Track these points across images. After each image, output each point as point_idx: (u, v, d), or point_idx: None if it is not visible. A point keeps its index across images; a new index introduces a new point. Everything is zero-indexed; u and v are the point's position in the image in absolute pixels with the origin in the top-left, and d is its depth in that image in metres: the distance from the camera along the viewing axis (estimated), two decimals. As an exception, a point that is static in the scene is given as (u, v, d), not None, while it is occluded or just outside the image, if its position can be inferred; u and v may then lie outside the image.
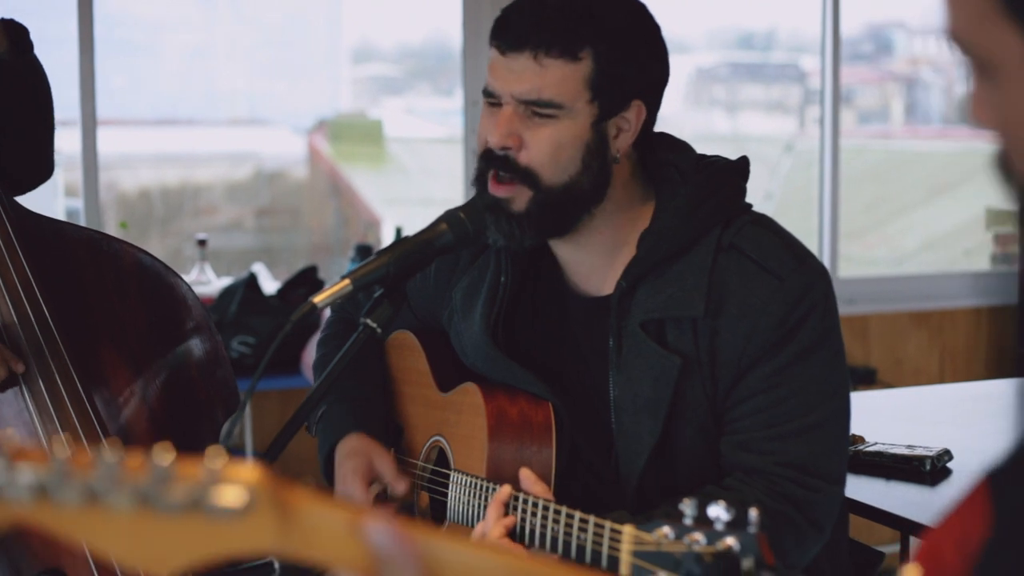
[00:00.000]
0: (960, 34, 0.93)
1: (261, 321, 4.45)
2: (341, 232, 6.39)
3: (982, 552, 0.89)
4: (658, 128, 2.25)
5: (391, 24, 6.69)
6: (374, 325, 2.05)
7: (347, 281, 2.05)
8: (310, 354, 4.40)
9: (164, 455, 0.91)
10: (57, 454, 0.92)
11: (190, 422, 2.71)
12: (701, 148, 2.29)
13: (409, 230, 4.93)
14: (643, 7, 2.17)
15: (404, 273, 2.09)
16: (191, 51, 6.32)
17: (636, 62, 2.13)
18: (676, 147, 2.25)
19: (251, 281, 4.57)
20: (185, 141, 6.65)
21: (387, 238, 5.90)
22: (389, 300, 2.07)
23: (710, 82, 7.18)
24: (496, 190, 2.12)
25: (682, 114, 7.06)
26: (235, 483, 0.91)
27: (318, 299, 2.01)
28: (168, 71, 6.18)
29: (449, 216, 2.13)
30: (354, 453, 2.33)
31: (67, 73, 4.83)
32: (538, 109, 2.09)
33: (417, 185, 6.92)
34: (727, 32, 6.95)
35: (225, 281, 4.80)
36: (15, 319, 2.56)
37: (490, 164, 2.11)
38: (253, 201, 6.49)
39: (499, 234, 2.14)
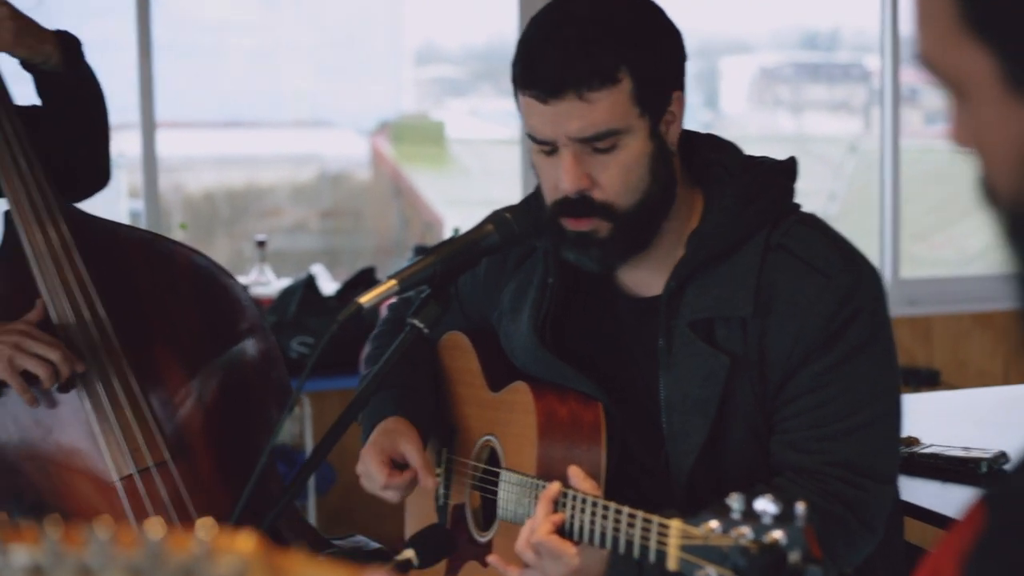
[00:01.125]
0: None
1: (320, 322, 4.48)
2: (403, 233, 6.41)
3: (974, 548, 0.88)
4: (723, 128, 2.24)
5: (454, 25, 6.71)
6: (420, 324, 2.06)
7: (393, 281, 2.06)
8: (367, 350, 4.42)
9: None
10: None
11: (245, 423, 2.73)
12: (765, 148, 2.28)
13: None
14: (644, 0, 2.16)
15: (451, 273, 2.10)
16: (254, 53, 6.37)
17: (664, 57, 2.12)
18: (722, 147, 2.24)
19: (310, 282, 4.60)
20: (249, 143, 6.70)
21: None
22: (436, 300, 2.08)
23: (774, 82, 7.15)
24: (577, 225, 2.11)
25: (747, 115, 7.04)
26: (228, 553, 0.92)
27: (364, 299, 2.02)
28: (232, 73, 6.23)
29: (495, 217, 2.14)
30: (385, 432, 2.35)
31: (130, 76, 4.88)
32: (598, 144, 2.07)
33: (479, 186, 6.94)
34: (791, 32, 6.92)
35: (284, 282, 4.83)
36: (72, 320, 2.59)
37: (568, 209, 2.10)
38: (317, 203, 6.52)
39: (592, 263, 2.14)
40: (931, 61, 0.92)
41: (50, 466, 2.62)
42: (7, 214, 2.66)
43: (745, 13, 6.50)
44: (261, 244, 4.81)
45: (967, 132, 0.91)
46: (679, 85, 2.14)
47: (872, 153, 6.01)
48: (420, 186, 6.63)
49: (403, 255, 5.62)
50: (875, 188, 5.85)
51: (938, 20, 0.89)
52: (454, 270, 2.10)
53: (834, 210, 6.34)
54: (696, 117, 6.23)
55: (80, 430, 2.61)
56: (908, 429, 3.00)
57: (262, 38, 6.45)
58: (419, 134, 6.76)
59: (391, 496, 2.34)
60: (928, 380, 5.31)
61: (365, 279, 4.71)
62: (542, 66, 2.06)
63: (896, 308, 5.30)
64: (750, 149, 2.27)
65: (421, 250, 4.85)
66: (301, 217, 6.53)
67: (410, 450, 2.31)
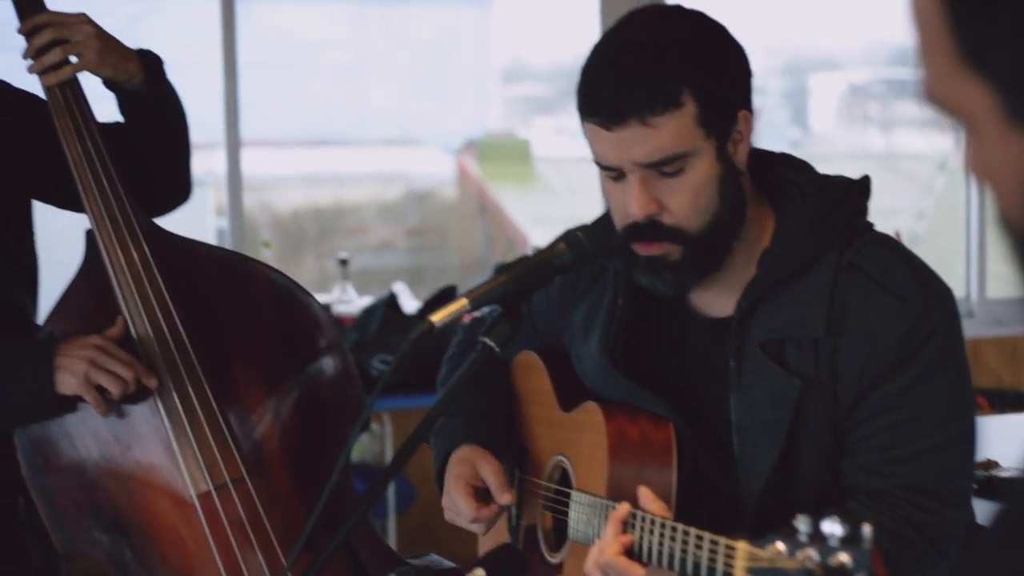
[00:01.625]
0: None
1: (401, 340, 4.50)
2: (488, 252, 6.44)
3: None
4: (812, 146, 2.23)
5: (541, 43, 6.73)
6: (492, 344, 2.06)
7: (465, 300, 2.06)
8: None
9: None
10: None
11: (321, 440, 2.74)
12: (854, 166, 2.26)
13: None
14: (704, 17, 2.13)
15: (522, 292, 2.10)
16: (342, 71, 6.42)
17: (727, 77, 2.11)
18: (795, 166, 2.23)
19: (392, 300, 4.63)
20: (336, 161, 6.75)
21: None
22: (507, 319, 2.08)
23: (864, 99, 7.10)
24: (648, 250, 2.10)
25: (835, 132, 7.00)
26: None
27: (436, 318, 2.02)
28: (319, 91, 6.28)
29: (568, 236, 2.14)
30: (461, 461, 2.36)
31: (217, 95, 4.94)
32: (664, 168, 2.06)
33: (564, 204, 6.95)
34: (880, 48, 6.87)
35: (367, 300, 4.86)
36: (151, 334, 2.62)
37: (638, 234, 2.09)
38: (403, 221, 6.56)
39: (665, 286, 2.13)
40: (934, 96, 0.91)
41: (129, 482, 2.65)
42: (89, 232, 2.70)
43: (834, 30, 6.46)
44: (344, 262, 4.85)
45: (978, 163, 0.90)
46: (745, 104, 2.13)
47: (961, 171, 5.95)
48: (506, 204, 6.66)
49: (487, 273, 5.64)
50: (964, 206, 5.79)
51: (937, 55, 0.89)
52: (526, 289, 2.10)
53: (923, 228, 6.28)
54: (784, 135, 6.21)
55: (159, 446, 2.63)
56: (990, 452, 2.97)
57: (349, 56, 6.50)
58: (505, 152, 6.78)
59: (479, 528, 2.36)
60: (1014, 402, 5.23)
61: (447, 298, 4.73)
62: (604, 93, 2.06)
63: (983, 328, 5.24)
64: (839, 167, 2.25)
65: (501, 269, 4.86)
66: (387, 235, 6.57)
67: (489, 472, 2.32)
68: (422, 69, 6.58)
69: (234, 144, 4.97)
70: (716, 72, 2.08)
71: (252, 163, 5.20)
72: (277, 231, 6.32)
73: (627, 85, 2.03)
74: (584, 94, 2.10)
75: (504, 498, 2.30)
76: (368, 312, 4.65)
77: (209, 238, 5.37)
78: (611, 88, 2.05)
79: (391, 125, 6.67)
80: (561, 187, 6.96)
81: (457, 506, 2.33)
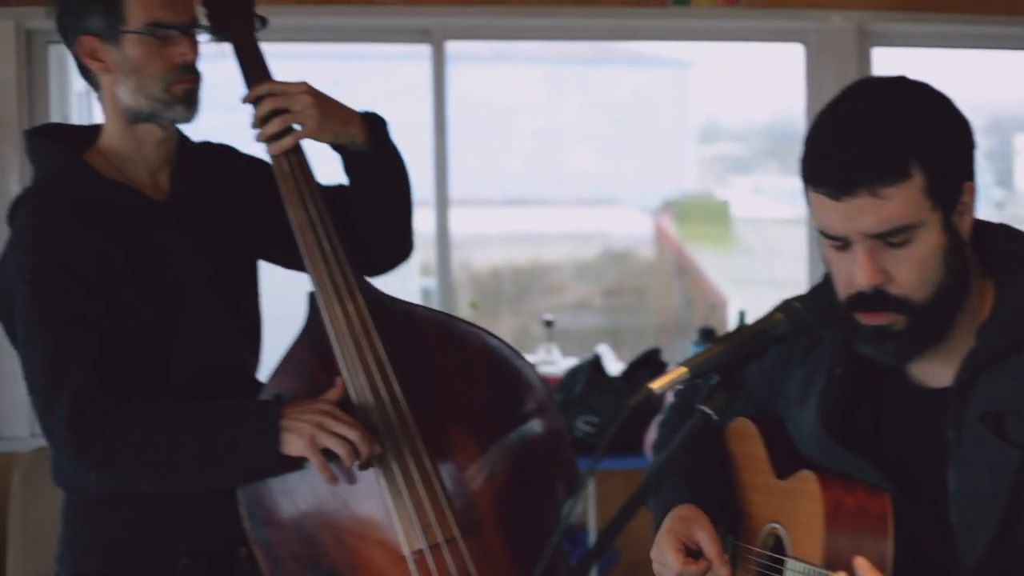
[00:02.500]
0: None
1: (605, 401, 4.54)
2: (686, 313, 6.44)
3: None
4: (1018, 206, 2.22)
5: (737, 103, 6.74)
6: (710, 412, 2.08)
7: (684, 368, 2.08)
8: (652, 435, 4.45)
9: None
10: None
11: (533, 500, 2.78)
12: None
13: (754, 312, 4.94)
14: (931, 89, 2.13)
15: (740, 361, 2.12)
16: (540, 132, 6.50)
17: (954, 149, 2.11)
18: (1015, 236, 2.22)
19: (596, 362, 4.68)
20: (535, 221, 6.82)
21: (732, 320, 5.92)
22: (725, 388, 2.10)
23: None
24: (872, 320, 2.11)
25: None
26: None
27: (656, 385, 2.05)
28: (518, 151, 6.36)
29: (786, 306, 2.15)
30: (678, 518, 2.37)
31: (422, 154, 5.04)
32: (892, 239, 2.07)
33: (763, 265, 6.92)
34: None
35: (570, 361, 4.91)
36: (371, 398, 2.69)
37: (862, 304, 2.10)
38: (600, 280, 6.60)
39: (888, 356, 2.14)
40: None
41: (346, 537, 2.72)
42: (312, 295, 2.79)
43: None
44: (549, 324, 4.90)
45: None
46: (970, 176, 2.13)
47: None
48: (704, 265, 6.65)
49: (688, 335, 5.64)
50: None
51: None
52: (744, 358, 2.12)
53: None
54: (988, 195, 6.12)
55: (375, 504, 2.70)
56: None
57: (548, 117, 6.57)
58: (703, 212, 6.79)
59: None
60: None
61: (650, 360, 4.76)
62: (833, 164, 2.07)
63: None
64: (1045, 230, 2.24)
65: (706, 332, 4.88)
66: (584, 294, 6.61)
67: (704, 538, 2.33)
68: (620, 130, 6.63)
69: (443, 204, 5.08)
70: (943, 145, 2.08)
71: (453, 222, 5.29)
72: (476, 289, 6.41)
73: (857, 157, 2.05)
74: (811, 164, 2.11)
75: (723, 571, 2.31)
76: (573, 373, 4.70)
77: (414, 297, 5.47)
78: (841, 159, 2.06)
79: (589, 185, 6.73)
80: (760, 248, 6.94)
81: (665, 559, 2.35)
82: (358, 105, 2.90)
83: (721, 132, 7.06)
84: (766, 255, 6.90)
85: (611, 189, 6.76)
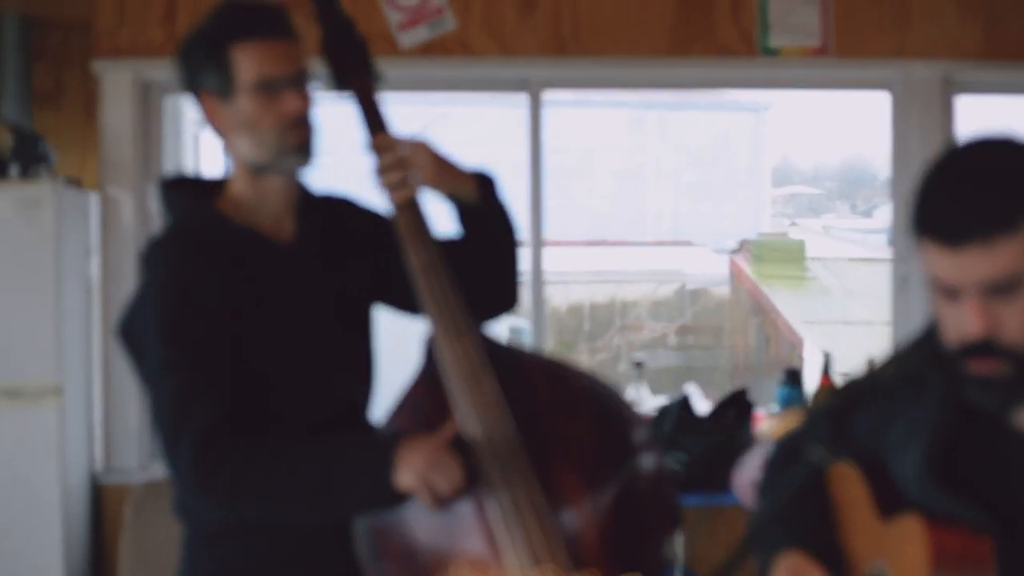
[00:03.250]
0: None
1: (693, 440, 4.62)
2: (762, 352, 6.50)
3: None
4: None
5: (808, 146, 6.81)
6: (821, 458, 2.17)
7: (799, 414, 2.18)
8: (739, 474, 4.53)
9: None
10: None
11: (636, 537, 2.86)
12: None
13: (836, 352, 5.01)
14: None
15: (849, 408, 2.21)
16: (621, 174, 6.60)
17: None
18: None
19: (685, 402, 4.76)
20: (614, 259, 6.91)
21: (809, 360, 5.99)
22: (835, 435, 2.19)
23: None
24: (981, 368, 2.19)
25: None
26: None
27: (772, 431, 2.15)
28: (600, 193, 6.47)
29: (894, 356, 2.24)
30: (786, 567, 2.44)
31: (515, 194, 5.15)
32: (1001, 289, 2.13)
33: (838, 305, 6.97)
34: None
35: (657, 400, 5.00)
36: (483, 435, 2.78)
37: (973, 352, 2.16)
38: (676, 318, 6.68)
39: (995, 404, 2.20)
40: None
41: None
42: (429, 339, 2.90)
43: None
44: (639, 365, 5.00)
45: None
46: None
47: None
48: (780, 304, 6.72)
49: (766, 374, 5.71)
50: None
51: None
52: (853, 406, 2.21)
53: None
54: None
55: (484, 540, 2.77)
56: None
57: (628, 159, 6.68)
58: (779, 253, 6.85)
59: None
60: None
61: (738, 401, 4.84)
62: (946, 215, 2.16)
63: None
64: None
65: (791, 373, 4.95)
66: (660, 332, 6.70)
67: None
68: (697, 172, 6.73)
69: (538, 244, 5.19)
70: None
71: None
72: (555, 326, 6.51)
73: (970, 208, 2.13)
74: (924, 215, 2.20)
75: None
76: (663, 412, 4.79)
77: (503, 335, 5.57)
78: (954, 211, 2.14)
79: (666, 226, 6.83)
80: (835, 287, 6.99)
81: None
82: (452, 147, 2.99)
83: (793, 174, 7.12)
84: (841, 295, 6.96)
85: (687, 229, 6.85)
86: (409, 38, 4.81)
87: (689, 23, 5.03)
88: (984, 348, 2.16)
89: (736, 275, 6.66)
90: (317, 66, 2.99)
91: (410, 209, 2.94)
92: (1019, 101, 5.36)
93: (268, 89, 2.85)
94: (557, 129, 6.03)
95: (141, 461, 5.08)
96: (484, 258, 3.03)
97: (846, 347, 5.17)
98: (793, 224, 6.77)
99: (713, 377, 6.04)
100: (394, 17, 4.78)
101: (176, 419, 2.72)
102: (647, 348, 6.29)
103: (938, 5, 5.07)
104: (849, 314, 6.68)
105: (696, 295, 6.69)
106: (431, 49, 4.93)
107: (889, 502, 2.43)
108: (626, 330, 6.52)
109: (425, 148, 2.93)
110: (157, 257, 2.86)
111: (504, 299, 3.13)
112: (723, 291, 6.78)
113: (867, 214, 6.07)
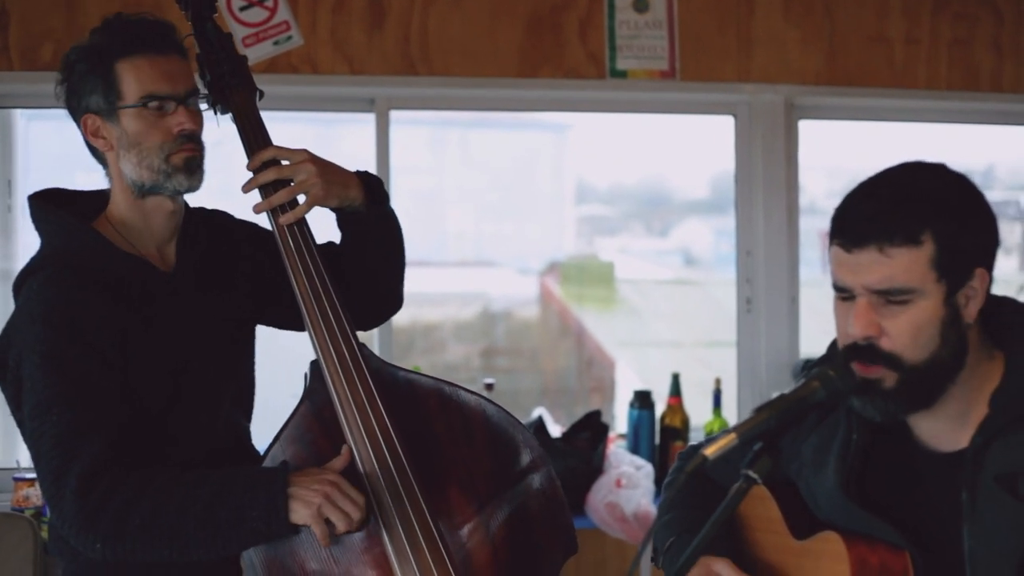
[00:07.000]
0: None
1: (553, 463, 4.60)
2: (573, 374, 6.50)
3: None
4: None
5: (605, 167, 6.87)
6: (755, 476, 2.18)
7: (734, 435, 2.18)
8: (594, 496, 4.54)
9: None
10: None
11: (529, 558, 2.84)
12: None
13: (644, 376, 5.06)
14: (966, 179, 2.30)
15: (781, 428, 2.22)
16: (421, 193, 6.54)
17: (970, 233, 2.26)
18: (1021, 310, 2.38)
19: (540, 424, 4.75)
20: (415, 281, 6.84)
21: (621, 381, 6.06)
22: (768, 453, 2.21)
23: None
24: (864, 372, 2.26)
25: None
26: None
27: (710, 452, 2.14)
28: (399, 213, 6.36)
29: (821, 375, 2.26)
30: (698, 564, 2.45)
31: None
32: (891, 297, 2.22)
33: (647, 327, 7.03)
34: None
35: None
36: (376, 465, 2.72)
37: (855, 354, 2.25)
38: (480, 340, 6.65)
39: (875, 411, 2.29)
40: None
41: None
42: (314, 363, 2.82)
43: (894, 151, 6.56)
44: (489, 387, 4.96)
45: None
46: (985, 264, 2.28)
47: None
48: (591, 326, 6.74)
49: (572, 396, 5.73)
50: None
51: None
52: (785, 425, 2.22)
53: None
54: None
55: (379, 568, 2.72)
56: None
57: (430, 180, 6.62)
58: (588, 274, 6.87)
59: None
60: None
61: (591, 423, 4.85)
62: (851, 219, 2.25)
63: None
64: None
65: (641, 396, 4.93)
66: (464, 353, 6.66)
67: (725, 568, 2.43)
68: (499, 192, 6.72)
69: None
70: (959, 225, 2.23)
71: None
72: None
73: (874, 214, 2.22)
74: (835, 219, 2.29)
75: None
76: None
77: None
78: (859, 215, 2.24)
79: (468, 247, 6.80)
80: (642, 309, 7.05)
81: None
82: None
83: (590, 194, 7.17)
84: (649, 316, 7.03)
85: (490, 250, 6.82)
86: (254, 54, 4.70)
87: (538, 45, 5.05)
88: (866, 351, 2.21)
89: (545, 296, 6.65)
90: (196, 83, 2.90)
91: (296, 230, 2.87)
92: (859, 126, 5.53)
93: (153, 106, 2.76)
94: (353, 149, 5.95)
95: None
96: (371, 263, 2.98)
97: (656, 369, 5.24)
98: (589, 244, 6.81)
99: (520, 400, 6.01)
100: (239, 31, 4.67)
101: (60, 458, 2.60)
102: (451, 371, 6.24)
103: (782, 32, 5.21)
104: (657, 335, 6.76)
105: (501, 316, 6.67)
106: (276, 66, 4.84)
107: (802, 521, 2.46)
108: (429, 352, 6.45)
109: (311, 161, 2.85)
110: (34, 283, 2.73)
111: (393, 300, 3.09)
112: (530, 312, 6.76)
113: (663, 234, 6.15)
